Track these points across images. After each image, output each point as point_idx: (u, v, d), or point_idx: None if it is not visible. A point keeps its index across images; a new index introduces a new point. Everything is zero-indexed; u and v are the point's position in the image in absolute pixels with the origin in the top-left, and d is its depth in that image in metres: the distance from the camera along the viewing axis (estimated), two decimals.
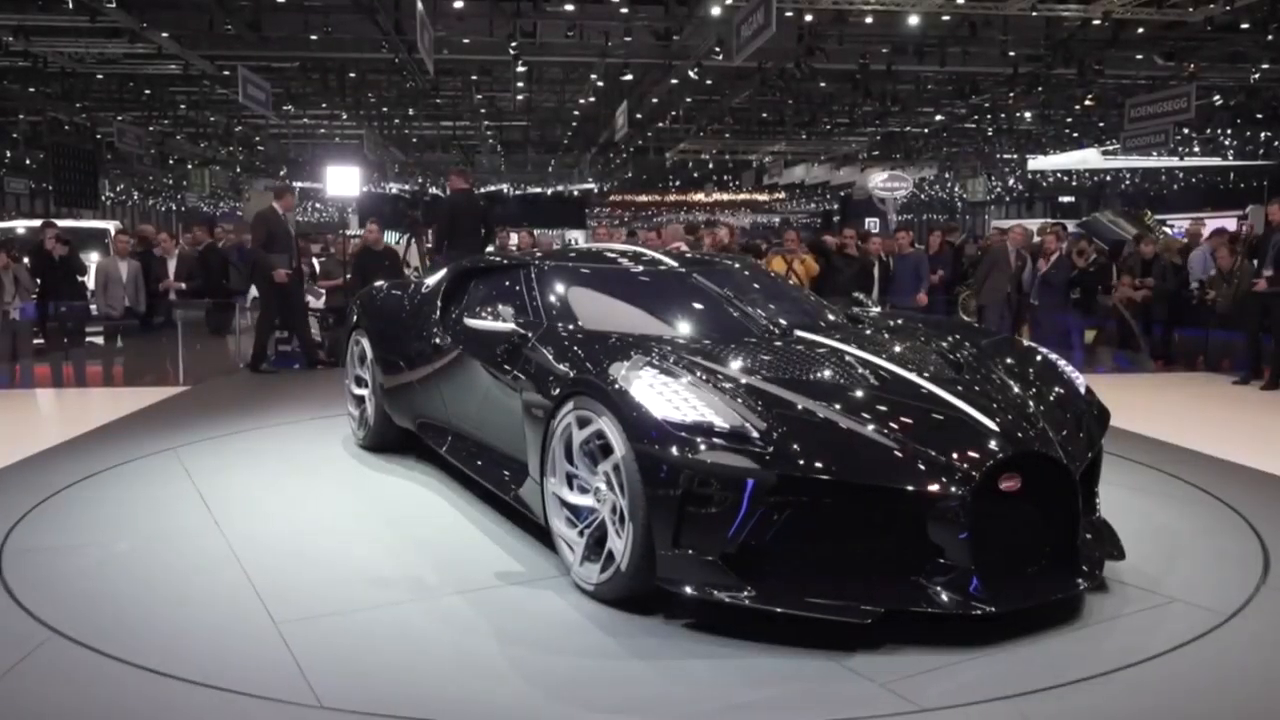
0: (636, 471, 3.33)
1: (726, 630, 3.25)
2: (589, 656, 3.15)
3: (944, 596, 3.15)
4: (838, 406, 3.45)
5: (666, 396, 3.38)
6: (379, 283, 6.71)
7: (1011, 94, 20.02)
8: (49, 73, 18.10)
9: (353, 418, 6.16)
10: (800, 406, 3.44)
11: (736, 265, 5.31)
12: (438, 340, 5.20)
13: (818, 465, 3.17)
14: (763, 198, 46.01)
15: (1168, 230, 17.47)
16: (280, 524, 4.60)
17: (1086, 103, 21.48)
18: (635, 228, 11.70)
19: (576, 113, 25.45)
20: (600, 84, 20.76)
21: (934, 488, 3.16)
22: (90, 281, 10.59)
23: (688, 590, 3.25)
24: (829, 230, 16.31)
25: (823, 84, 20.72)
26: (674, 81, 19.50)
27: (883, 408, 3.49)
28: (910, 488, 3.17)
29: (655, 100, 22.56)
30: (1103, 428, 3.94)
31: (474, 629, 3.36)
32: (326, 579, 3.84)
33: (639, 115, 22.53)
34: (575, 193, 38.78)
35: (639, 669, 3.07)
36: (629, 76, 19.16)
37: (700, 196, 46.28)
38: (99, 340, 10.31)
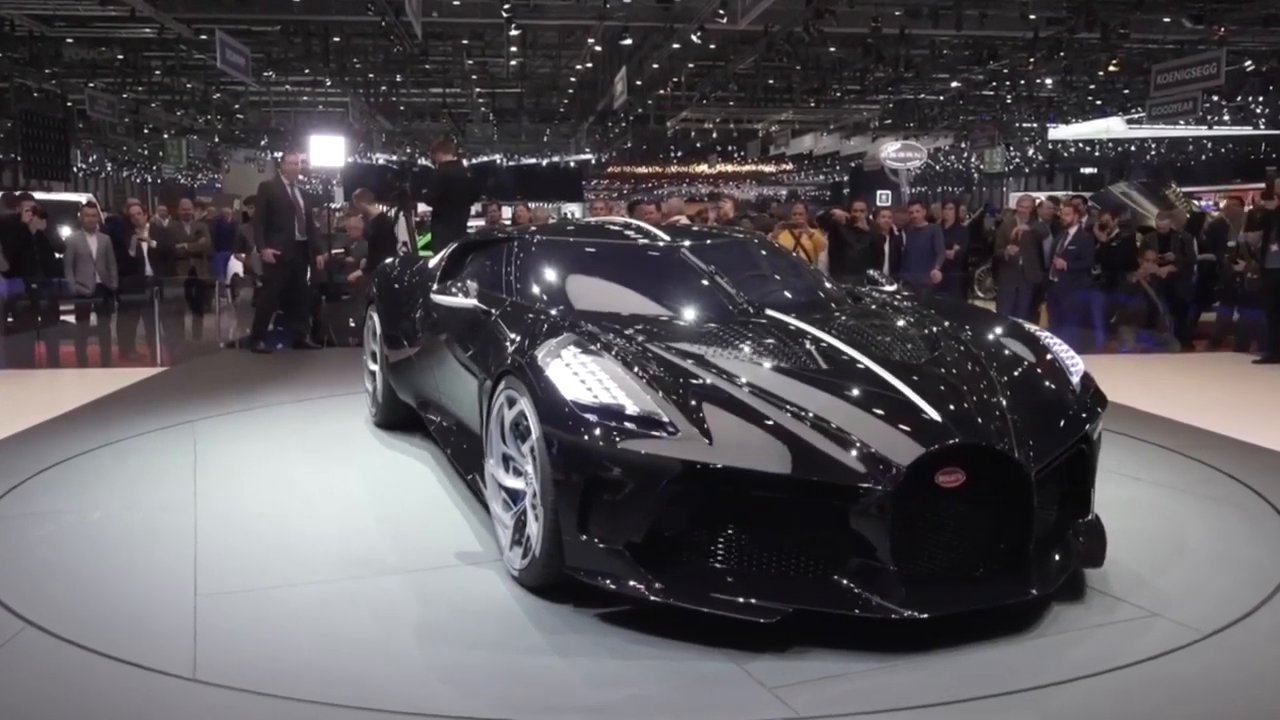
0: (545, 454, 3.35)
1: (652, 625, 3.23)
2: (493, 648, 3.17)
3: (863, 598, 3.07)
4: (770, 392, 3.39)
5: (581, 377, 3.40)
6: (391, 259, 7.06)
7: (1031, 59, 19.92)
8: (16, 36, 18.00)
9: (368, 393, 6.40)
10: (726, 391, 3.39)
11: (732, 239, 5.31)
12: (426, 316, 5.35)
13: (729, 453, 3.12)
14: (769, 169, 45.87)
15: (1196, 204, 17.36)
16: (258, 498, 4.79)
17: (1110, 68, 21.36)
18: (636, 200, 11.62)
19: (573, 79, 25.33)
20: (598, 49, 20.65)
21: (855, 480, 3.07)
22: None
23: (593, 580, 3.26)
24: (839, 203, 16.28)
25: (832, 49, 20.61)
26: (676, 46, 19.39)
27: (821, 394, 3.41)
28: (830, 480, 3.09)
29: (656, 66, 22.46)
30: (1094, 419, 3.78)
31: (398, 612, 3.44)
32: (274, 554, 3.99)
33: (639, 82, 22.43)
34: (571, 164, 38.64)
35: (540, 663, 3.08)
36: (628, 41, 19.04)
37: (703, 168, 46.15)
38: (71, 318, 10.31)
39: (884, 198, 23.75)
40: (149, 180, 41.44)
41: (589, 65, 22.69)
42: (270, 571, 3.80)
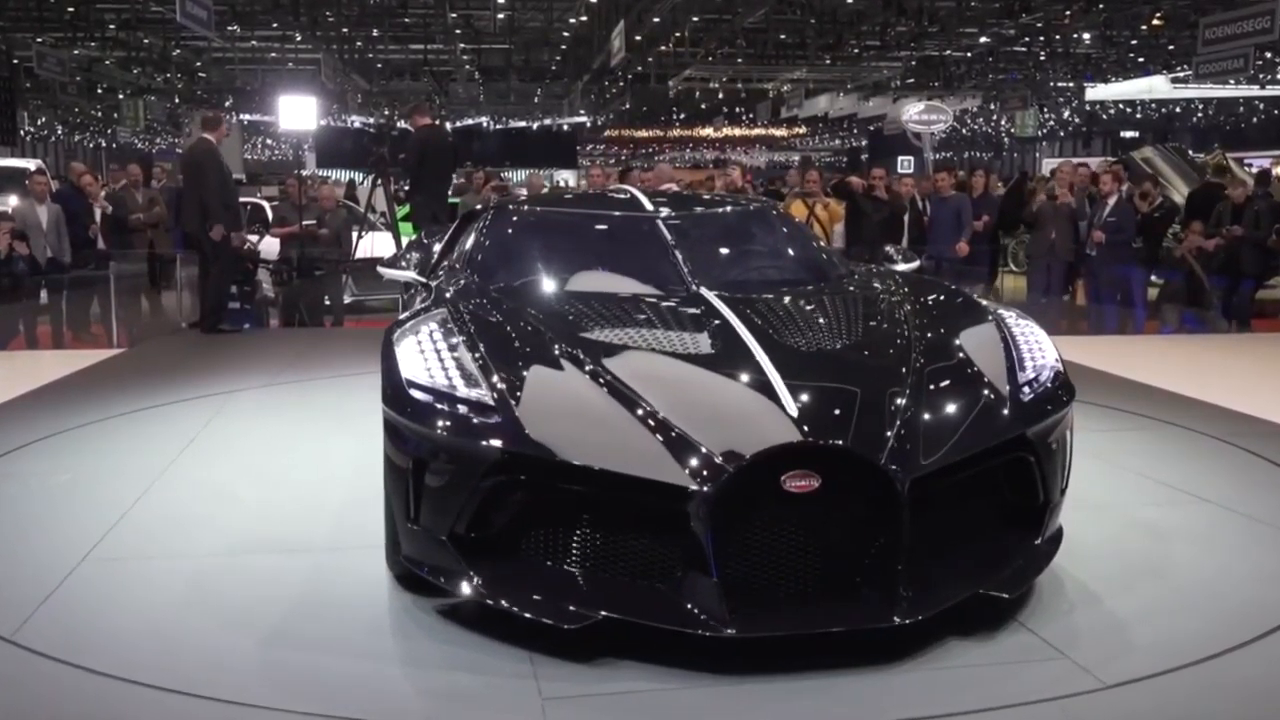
0: (384, 434, 3.51)
1: (503, 622, 3.23)
2: (328, 638, 3.25)
3: (677, 610, 3.04)
4: (624, 381, 3.37)
5: (426, 357, 3.51)
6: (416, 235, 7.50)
7: (1068, 12, 19.90)
8: None
9: None
10: (568, 378, 3.43)
11: (725, 209, 5.33)
12: (409, 291, 5.69)
13: (548, 444, 3.15)
14: (780, 133, 45.89)
15: (1247, 170, 17.31)
16: (231, 474, 4.97)
17: (1154, 22, 21.34)
18: (633, 165, 11.61)
19: (566, 34, 25.29)
20: (593, 0, 20.60)
21: (674, 479, 3.05)
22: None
23: (418, 570, 3.37)
24: (856, 170, 16.25)
25: (850, 0, 20.57)
26: None
27: (682, 385, 3.42)
28: (646, 476, 3.07)
29: (657, 20, 22.40)
30: (1040, 422, 3.53)
31: (271, 593, 3.56)
32: (196, 527, 4.21)
33: (638, 37, 22.39)
34: (565, 127, 38.69)
35: (360, 659, 3.13)
36: None
37: (709, 132, 46.18)
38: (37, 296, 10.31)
39: (906, 164, 23.75)
40: (103, 144, 41.40)
41: (583, 19, 22.66)
42: (175, 543, 4.02)
